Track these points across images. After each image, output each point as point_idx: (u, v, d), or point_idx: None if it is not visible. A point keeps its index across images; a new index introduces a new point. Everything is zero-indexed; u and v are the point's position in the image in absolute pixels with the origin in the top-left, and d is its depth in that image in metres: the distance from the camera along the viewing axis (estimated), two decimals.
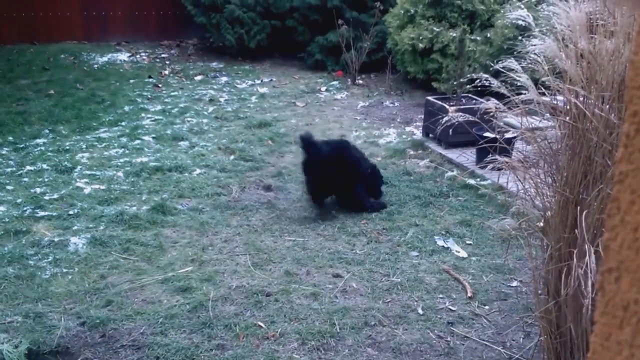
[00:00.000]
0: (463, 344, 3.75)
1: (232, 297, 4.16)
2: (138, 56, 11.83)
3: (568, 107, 2.94)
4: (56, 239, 4.92)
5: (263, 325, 3.87)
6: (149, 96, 9.28)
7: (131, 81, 10.10)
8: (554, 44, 2.93)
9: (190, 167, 6.50)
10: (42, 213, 5.38)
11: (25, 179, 6.12)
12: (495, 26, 8.42)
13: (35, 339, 3.66)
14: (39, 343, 3.64)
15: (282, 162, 6.73)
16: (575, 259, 2.64)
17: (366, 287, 4.34)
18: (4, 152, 6.87)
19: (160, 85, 9.90)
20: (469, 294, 4.25)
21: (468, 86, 3.28)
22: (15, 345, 3.59)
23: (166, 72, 10.79)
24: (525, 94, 3.08)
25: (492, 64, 3.20)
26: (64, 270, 4.49)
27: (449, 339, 3.79)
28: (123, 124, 7.92)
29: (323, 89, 9.93)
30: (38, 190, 5.85)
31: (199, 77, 10.50)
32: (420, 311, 4.07)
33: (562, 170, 3.02)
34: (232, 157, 6.86)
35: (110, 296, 4.16)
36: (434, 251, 4.86)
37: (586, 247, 2.63)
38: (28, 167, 6.41)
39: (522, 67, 3.11)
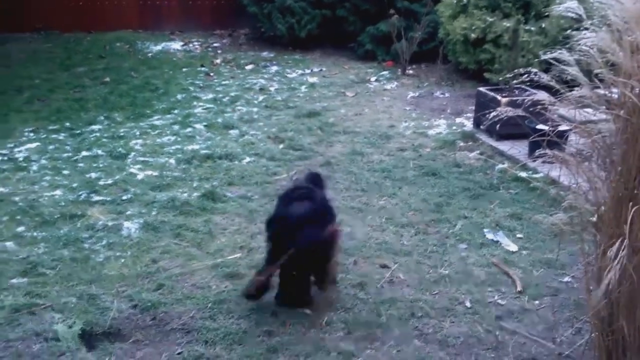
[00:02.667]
0: (512, 339, 3.71)
1: None
2: (191, 45, 11.98)
3: (623, 100, 2.87)
4: (110, 223, 5.04)
5: (310, 313, 3.90)
6: (201, 85, 9.40)
7: (184, 70, 10.24)
8: (608, 35, 2.86)
9: (240, 155, 6.57)
10: (96, 198, 5.52)
11: (81, 164, 6.29)
12: (551, 16, 8.23)
13: (89, 320, 3.77)
14: (92, 324, 3.75)
15: (331, 152, 6.74)
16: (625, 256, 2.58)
17: (413, 279, 4.33)
18: (61, 138, 7.06)
19: (212, 74, 10.01)
20: (519, 288, 4.19)
21: (521, 77, 3.22)
22: (70, 325, 3.71)
23: (218, 61, 10.89)
24: (578, 86, 3.01)
25: (545, 56, 3.13)
26: (117, 253, 4.61)
27: (497, 333, 3.76)
28: (175, 111, 8.05)
29: (373, 79, 9.89)
30: (93, 175, 6.00)
31: (250, 67, 10.57)
32: (468, 304, 4.04)
33: (616, 165, 2.95)
34: (281, 146, 6.90)
35: (161, 280, 4.25)
36: (483, 244, 4.81)
37: None
38: (84, 153, 6.58)
39: (574, 59, 3.03)
